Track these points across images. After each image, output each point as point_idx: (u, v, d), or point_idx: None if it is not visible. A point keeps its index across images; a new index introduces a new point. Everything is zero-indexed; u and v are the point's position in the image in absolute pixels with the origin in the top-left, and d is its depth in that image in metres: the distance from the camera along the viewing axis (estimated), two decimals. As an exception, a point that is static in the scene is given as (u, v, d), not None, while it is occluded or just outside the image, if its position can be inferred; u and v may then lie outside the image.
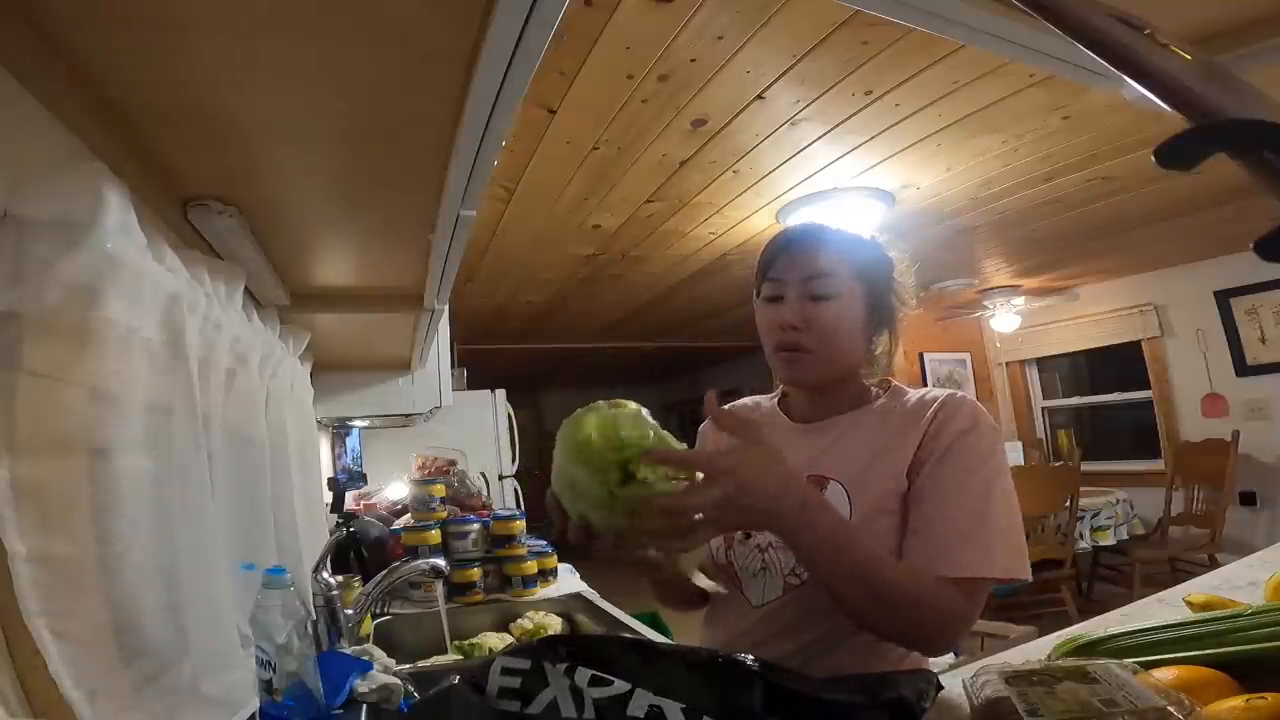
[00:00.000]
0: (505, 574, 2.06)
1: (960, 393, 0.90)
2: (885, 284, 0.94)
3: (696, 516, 0.68)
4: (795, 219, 2.89)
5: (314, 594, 1.28)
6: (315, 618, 1.24)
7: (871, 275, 0.92)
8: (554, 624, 1.82)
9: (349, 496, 2.57)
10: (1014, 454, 5.11)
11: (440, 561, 1.43)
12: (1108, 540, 4.09)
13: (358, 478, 2.68)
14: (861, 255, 0.93)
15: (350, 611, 1.33)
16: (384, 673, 1.06)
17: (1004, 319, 4.94)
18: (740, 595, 0.93)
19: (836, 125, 2.15)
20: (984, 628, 2.22)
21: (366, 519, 2.31)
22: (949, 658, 1.24)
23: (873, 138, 2.26)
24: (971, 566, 0.78)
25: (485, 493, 2.77)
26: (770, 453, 0.71)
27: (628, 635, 0.70)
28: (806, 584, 0.87)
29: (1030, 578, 0.81)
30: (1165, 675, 0.65)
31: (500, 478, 3.38)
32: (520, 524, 2.14)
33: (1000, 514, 0.81)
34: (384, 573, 1.42)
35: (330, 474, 2.54)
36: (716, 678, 0.59)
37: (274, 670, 0.85)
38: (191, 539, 0.87)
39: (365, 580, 1.59)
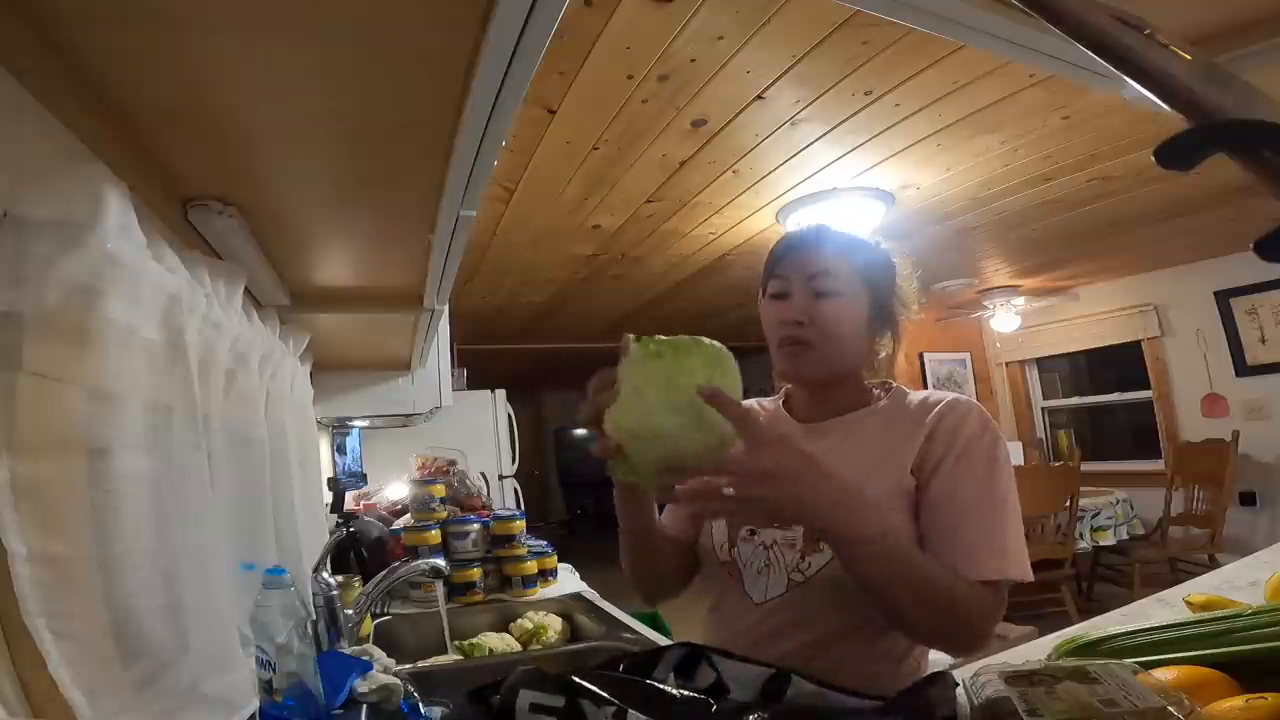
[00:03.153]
0: (505, 574, 2.06)
1: (964, 396, 0.92)
2: (888, 287, 0.96)
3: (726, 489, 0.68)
4: (795, 219, 2.89)
5: (314, 594, 1.28)
6: (315, 618, 1.24)
7: (875, 277, 0.94)
8: (554, 624, 1.82)
9: (349, 496, 2.57)
10: (1014, 454, 5.11)
11: (440, 561, 1.42)
12: (1108, 540, 4.09)
13: (358, 478, 2.68)
14: (865, 257, 0.95)
15: (350, 611, 1.33)
16: (384, 673, 1.05)
17: (1004, 319, 4.94)
18: (743, 592, 0.93)
19: (836, 125, 2.15)
20: (984, 628, 2.22)
21: (366, 519, 2.30)
22: (948, 658, 1.24)
23: (873, 138, 2.26)
24: (991, 571, 0.80)
25: (485, 493, 2.77)
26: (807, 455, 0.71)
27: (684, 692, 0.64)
28: (810, 581, 0.88)
29: (1032, 577, 0.83)
30: (1165, 675, 0.65)
31: (500, 478, 3.38)
32: (520, 524, 2.14)
33: (1012, 519, 0.84)
34: (384, 573, 1.42)
35: (330, 474, 2.54)
36: None
37: (274, 670, 0.85)
38: (191, 539, 0.87)
39: (365, 580, 1.58)
